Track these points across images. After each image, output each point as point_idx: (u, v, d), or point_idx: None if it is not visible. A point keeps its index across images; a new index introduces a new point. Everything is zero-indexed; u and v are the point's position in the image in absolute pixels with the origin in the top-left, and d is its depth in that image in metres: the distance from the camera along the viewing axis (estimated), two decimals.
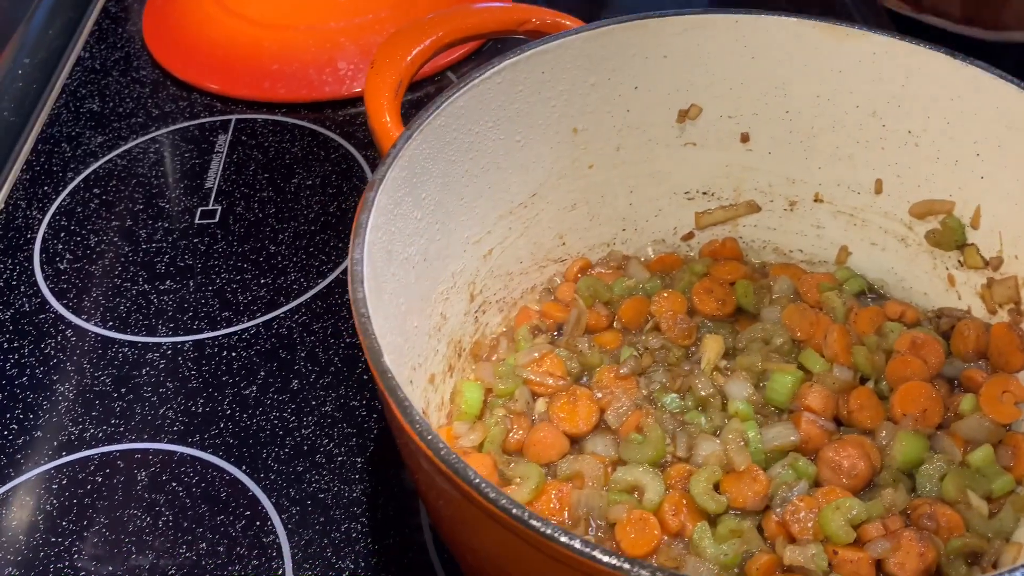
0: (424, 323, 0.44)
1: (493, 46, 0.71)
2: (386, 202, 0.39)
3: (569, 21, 0.47)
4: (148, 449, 0.47)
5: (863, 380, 0.46)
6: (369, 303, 0.33)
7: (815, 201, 0.51)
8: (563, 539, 0.27)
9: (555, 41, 0.44)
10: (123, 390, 0.50)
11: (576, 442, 0.45)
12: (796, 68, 0.47)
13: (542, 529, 0.28)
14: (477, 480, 0.29)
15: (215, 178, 0.62)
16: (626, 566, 0.27)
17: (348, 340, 0.52)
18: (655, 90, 0.48)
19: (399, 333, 0.40)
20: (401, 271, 0.41)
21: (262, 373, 0.51)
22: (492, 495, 0.28)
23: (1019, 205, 0.43)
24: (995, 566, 0.39)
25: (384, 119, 0.42)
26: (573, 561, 0.27)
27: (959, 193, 0.45)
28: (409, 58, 0.43)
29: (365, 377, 0.50)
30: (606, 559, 0.27)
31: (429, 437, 0.29)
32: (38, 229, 0.60)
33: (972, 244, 0.46)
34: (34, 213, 0.61)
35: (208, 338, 0.53)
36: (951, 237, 0.46)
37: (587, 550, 0.27)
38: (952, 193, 0.46)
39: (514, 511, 0.28)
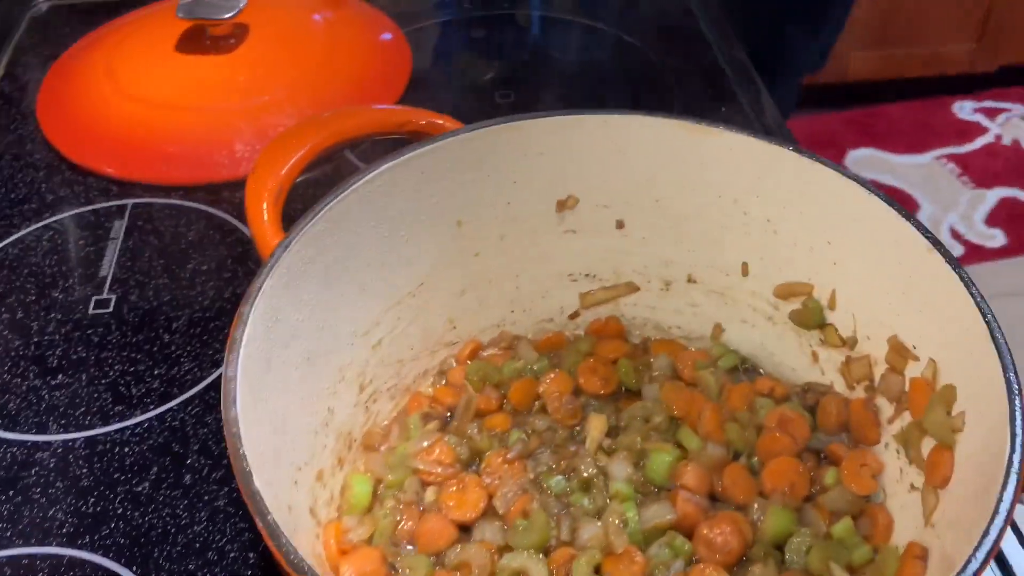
0: (310, 420, 0.45)
1: None
2: (263, 311, 0.40)
3: (448, 123, 0.49)
4: (36, 554, 0.47)
5: (736, 455, 0.48)
6: (241, 419, 0.34)
7: (688, 282, 0.53)
8: None
9: (432, 144, 0.46)
10: (11, 492, 0.50)
11: (466, 530, 0.46)
12: (661, 162, 0.50)
13: None
14: None
15: (110, 265, 0.62)
16: None
17: None
18: (533, 184, 0.50)
19: (281, 435, 0.41)
20: (282, 375, 0.42)
21: (155, 468, 0.51)
22: None
23: (868, 290, 0.46)
24: None
25: (263, 225, 0.43)
26: None
27: (816, 277, 0.49)
28: (288, 166, 0.45)
29: None
30: None
31: (292, 558, 0.30)
32: None
33: (831, 324, 0.49)
34: None
35: (100, 434, 0.52)
36: (811, 317, 0.49)
37: None
38: (811, 277, 0.49)
39: None
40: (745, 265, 0.51)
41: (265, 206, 0.44)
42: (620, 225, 0.52)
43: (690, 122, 0.48)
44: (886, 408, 0.46)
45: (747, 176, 0.48)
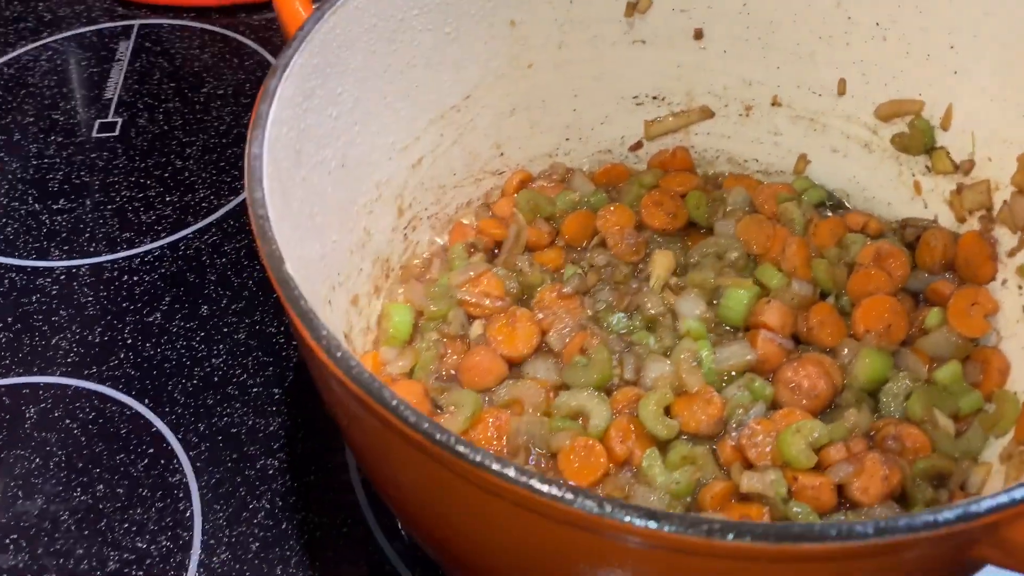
0: (345, 238, 0.39)
1: None
2: (293, 93, 0.33)
3: None
4: (38, 383, 0.42)
5: (823, 295, 0.42)
6: (270, 205, 0.29)
7: (772, 105, 0.47)
8: (495, 467, 0.23)
9: None
10: (9, 319, 0.45)
11: (515, 366, 0.41)
12: None
13: (471, 456, 0.24)
14: (395, 403, 0.24)
15: (115, 88, 0.56)
16: (568, 496, 0.23)
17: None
18: None
19: (313, 245, 0.36)
20: (314, 176, 0.36)
21: (167, 299, 0.46)
22: (412, 419, 0.24)
23: (995, 101, 0.39)
24: (963, 488, 0.36)
25: None
26: (508, 492, 0.23)
27: (929, 91, 0.42)
28: None
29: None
30: (545, 488, 0.23)
31: (339, 354, 0.25)
32: None
33: (942, 147, 0.42)
34: None
35: (107, 261, 0.47)
36: (919, 140, 0.43)
37: (523, 479, 0.23)
38: (922, 91, 0.42)
39: (438, 436, 0.24)
40: (842, 82, 0.44)
41: None
42: (698, 35, 0.46)
43: None
44: (1006, 239, 0.40)
45: None
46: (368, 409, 0.25)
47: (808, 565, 0.24)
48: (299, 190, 0.34)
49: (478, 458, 0.23)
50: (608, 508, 0.22)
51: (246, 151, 0.30)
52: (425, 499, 0.29)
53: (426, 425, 0.24)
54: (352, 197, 0.40)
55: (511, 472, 0.23)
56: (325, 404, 0.31)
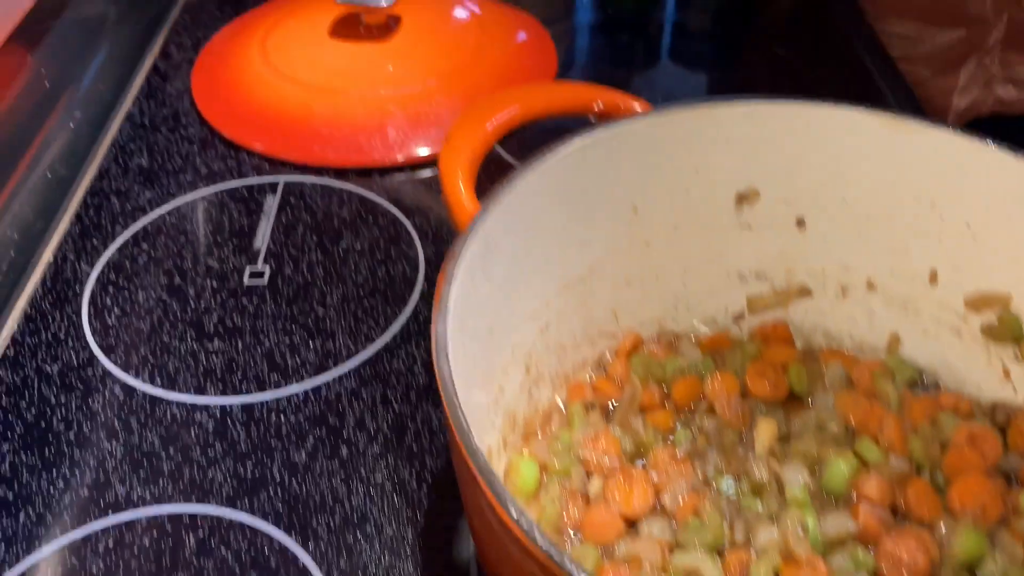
0: (485, 395, 0.44)
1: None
2: (463, 275, 0.39)
3: (638, 104, 0.48)
4: (196, 513, 0.47)
5: (919, 471, 0.46)
6: (456, 379, 0.33)
7: (867, 288, 0.51)
8: None
9: (624, 124, 0.45)
10: (171, 450, 0.50)
11: (632, 524, 0.44)
12: (855, 158, 0.48)
13: None
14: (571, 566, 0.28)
15: (263, 239, 0.63)
16: None
17: (396, 409, 0.52)
18: (716, 173, 0.49)
19: (466, 408, 0.40)
20: (472, 344, 0.41)
21: (311, 439, 0.50)
22: None
23: None
24: None
25: (460, 194, 0.43)
26: None
27: (1017, 287, 0.46)
28: (483, 135, 0.44)
29: (414, 448, 0.50)
30: None
31: (520, 519, 0.29)
32: (87, 282, 0.60)
33: None
34: (83, 266, 0.61)
35: (257, 401, 0.52)
36: (1007, 331, 0.47)
37: None
38: (1011, 287, 0.46)
39: None
40: (934, 272, 0.49)
41: (461, 174, 0.43)
42: (800, 223, 0.51)
43: (892, 116, 0.46)
44: None
45: (949, 177, 0.46)
46: (545, 570, 0.29)
47: None
48: (461, 360, 0.39)
49: None
50: None
51: (432, 328, 0.35)
52: None
53: None
54: (494, 360, 0.45)
55: None
56: (484, 556, 0.35)
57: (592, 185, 0.47)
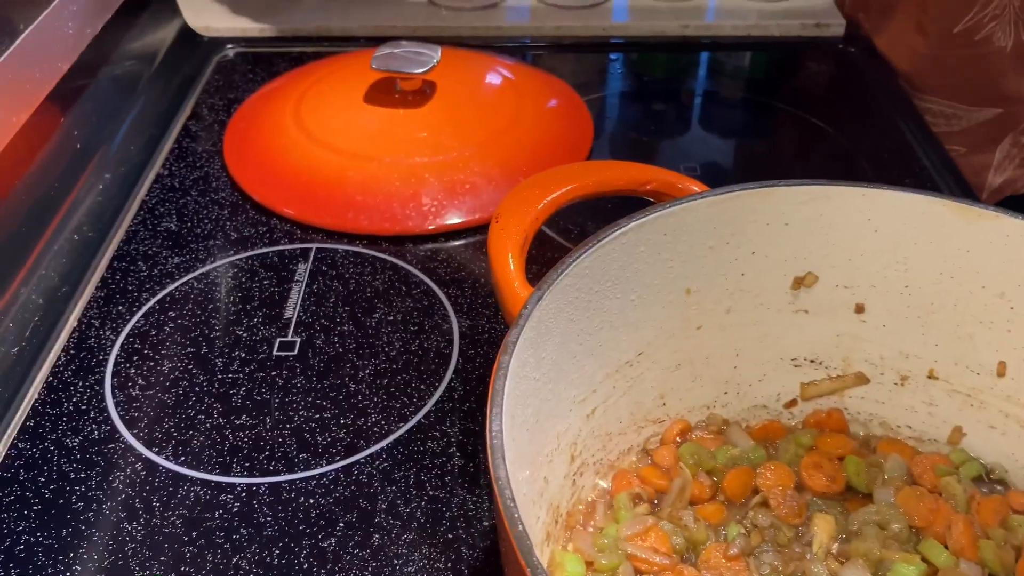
0: (531, 489, 0.42)
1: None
2: (515, 365, 0.37)
3: (696, 186, 0.46)
4: None
5: None
6: (512, 481, 0.31)
7: (929, 378, 0.49)
8: None
9: (681, 204, 0.44)
10: (194, 533, 0.47)
11: None
12: (920, 244, 0.46)
13: None
14: None
15: (295, 308, 0.61)
16: None
17: (431, 493, 0.50)
18: (772, 256, 0.47)
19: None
20: (519, 434, 0.39)
21: (341, 524, 0.48)
22: None
23: None
24: None
25: (510, 276, 0.41)
26: None
27: None
28: (534, 214, 0.42)
29: (450, 536, 0.48)
30: None
31: None
32: (111, 351, 0.58)
33: None
34: (107, 334, 0.59)
35: (285, 481, 0.50)
36: None
37: None
38: None
39: None
40: (1002, 364, 0.46)
41: (512, 255, 0.41)
42: (859, 309, 0.48)
43: (960, 202, 0.44)
44: None
45: (1021, 266, 0.44)
46: None
47: None
48: (510, 452, 0.37)
49: None
50: None
51: (487, 427, 0.33)
52: None
53: None
54: (539, 449, 0.42)
55: None
56: None
57: (646, 267, 0.45)
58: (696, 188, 0.46)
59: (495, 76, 0.81)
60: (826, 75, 0.92)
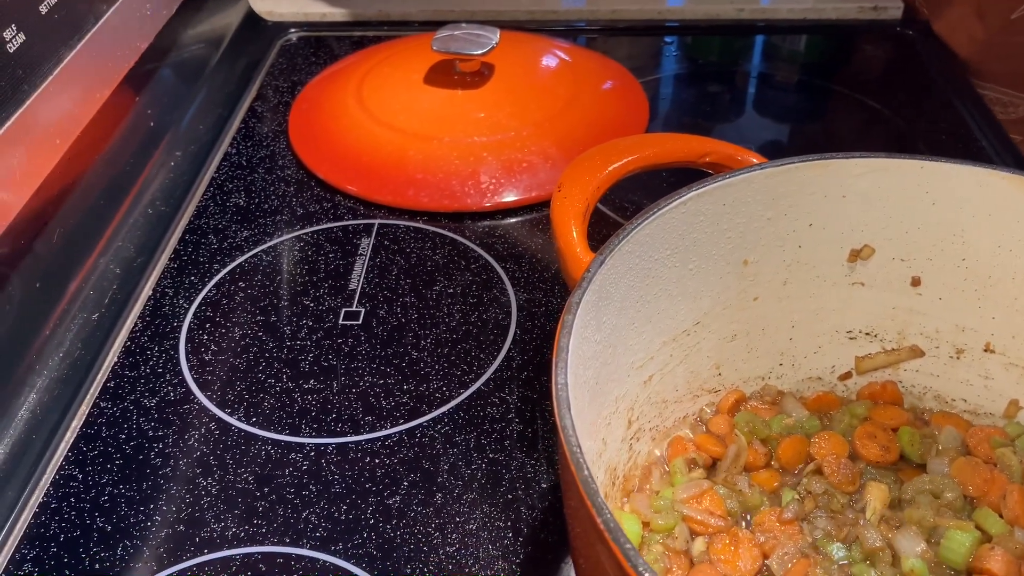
0: (589, 447, 0.43)
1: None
2: (578, 325, 0.38)
3: (754, 158, 0.47)
4: (291, 554, 0.46)
5: None
6: (578, 428, 0.33)
7: (985, 351, 0.49)
8: None
9: (740, 175, 0.44)
10: (266, 489, 0.50)
11: None
12: (978, 216, 0.46)
13: None
14: None
15: (359, 280, 0.63)
16: None
17: (491, 456, 0.51)
18: (829, 228, 0.48)
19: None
20: (581, 394, 0.40)
21: (405, 483, 0.50)
22: None
23: None
24: None
25: (572, 242, 0.42)
26: None
27: None
28: (596, 183, 0.44)
29: (509, 496, 0.49)
30: None
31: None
32: (184, 318, 0.60)
33: None
34: (180, 302, 0.62)
35: (351, 442, 0.52)
36: None
37: None
38: None
39: None
40: None
41: (574, 222, 0.43)
42: (916, 282, 0.49)
43: (1019, 174, 0.44)
44: None
45: None
46: None
47: None
48: (573, 408, 0.38)
49: None
50: None
51: (552, 380, 0.35)
52: None
53: None
54: (599, 411, 0.44)
55: None
56: None
57: (705, 237, 0.46)
58: (754, 160, 0.47)
59: (552, 58, 0.82)
60: (883, 58, 0.92)
